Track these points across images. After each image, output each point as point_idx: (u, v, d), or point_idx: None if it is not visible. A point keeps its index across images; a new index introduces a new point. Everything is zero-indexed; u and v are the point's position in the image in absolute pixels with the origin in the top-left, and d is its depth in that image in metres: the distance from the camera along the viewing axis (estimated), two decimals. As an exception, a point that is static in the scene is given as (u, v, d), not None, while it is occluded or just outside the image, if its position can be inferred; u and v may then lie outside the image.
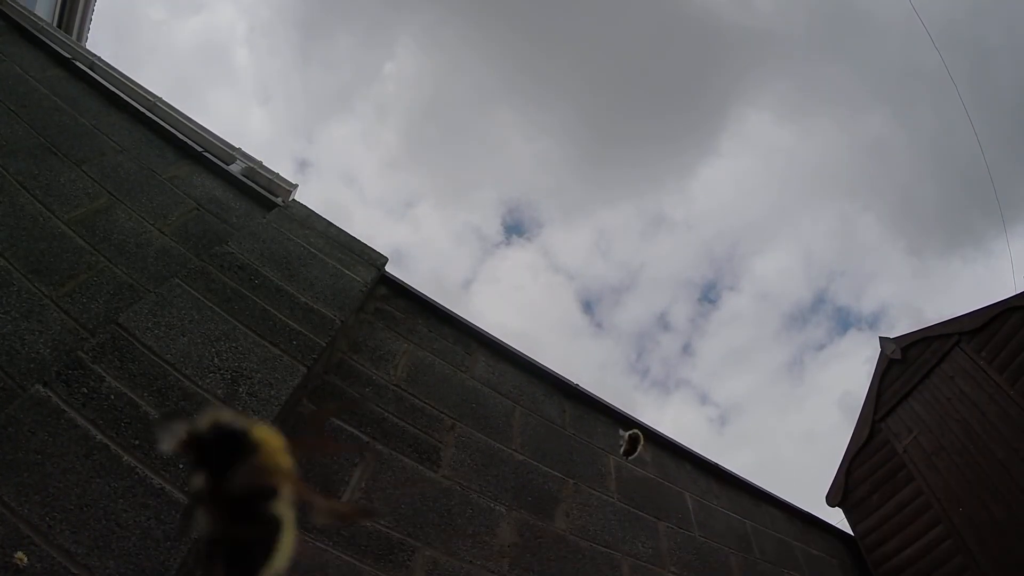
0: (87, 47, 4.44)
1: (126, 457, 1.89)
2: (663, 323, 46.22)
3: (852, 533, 5.64)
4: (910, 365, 5.71)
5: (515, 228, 49.04)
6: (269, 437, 0.68)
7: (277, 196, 3.72)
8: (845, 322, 44.62)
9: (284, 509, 0.66)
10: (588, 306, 47.79)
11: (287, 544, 0.67)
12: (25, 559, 1.53)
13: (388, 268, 3.73)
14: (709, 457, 4.68)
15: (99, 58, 3.88)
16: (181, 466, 1.96)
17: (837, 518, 5.83)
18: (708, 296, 47.33)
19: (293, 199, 3.85)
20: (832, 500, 6.00)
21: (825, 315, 45.26)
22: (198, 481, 0.65)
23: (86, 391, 1.98)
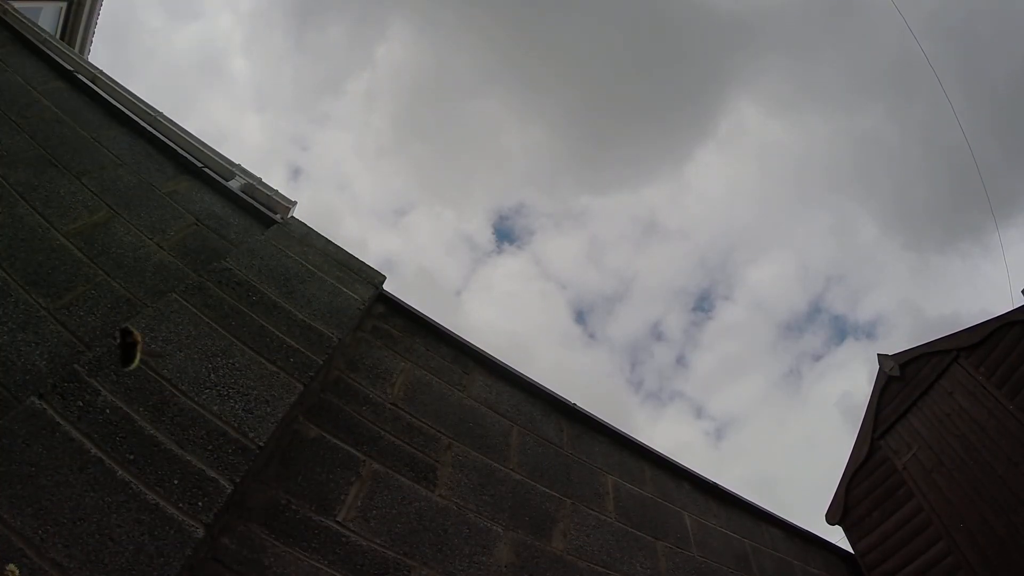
0: (89, 59, 4.48)
1: (120, 472, 1.87)
2: (656, 333, 46.06)
3: (852, 551, 5.60)
4: (909, 382, 5.72)
5: (506, 235, 49.04)
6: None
7: (276, 213, 3.73)
8: (842, 331, 44.52)
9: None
10: (581, 316, 47.64)
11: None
12: (17, 572, 1.50)
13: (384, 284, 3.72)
14: (707, 476, 4.65)
15: (101, 71, 3.91)
16: (176, 482, 1.95)
17: (837, 536, 5.80)
18: (702, 306, 47.30)
19: (292, 216, 3.87)
20: (832, 518, 5.96)
21: (822, 324, 45.20)
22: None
23: (81, 404, 1.96)
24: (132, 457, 1.92)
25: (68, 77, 3.65)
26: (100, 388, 2.04)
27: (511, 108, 45.15)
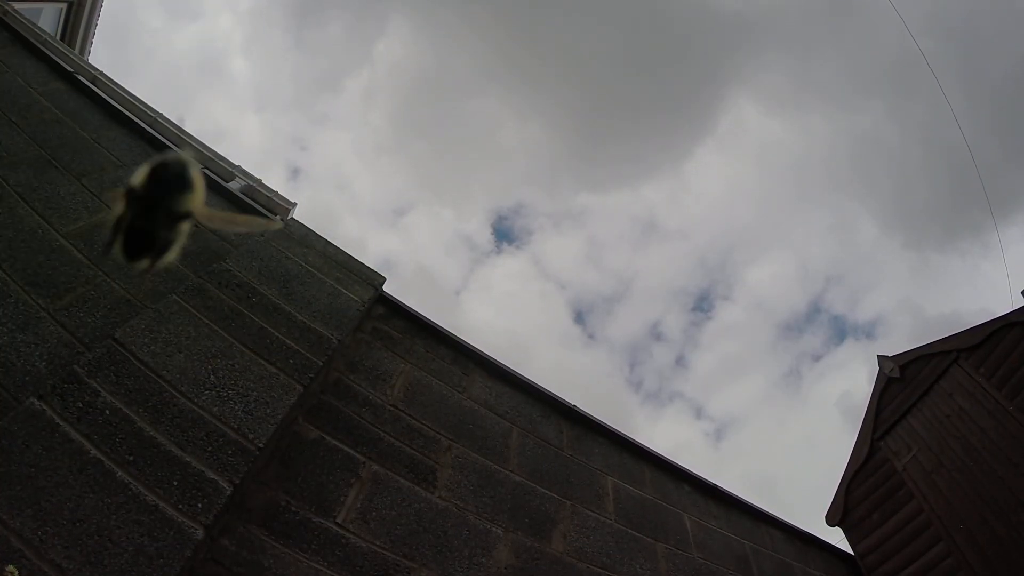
0: (89, 60, 4.49)
1: (120, 473, 1.87)
2: (656, 334, 46.13)
3: (852, 552, 5.59)
4: (909, 383, 5.71)
5: (505, 235, 49.06)
6: (200, 183, 1.14)
7: (276, 214, 3.73)
8: (842, 331, 44.56)
9: (185, 228, 1.16)
10: (580, 316, 47.71)
11: (177, 248, 1.16)
12: (16, 573, 1.50)
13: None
14: (707, 477, 4.65)
15: (101, 72, 3.92)
16: (175, 484, 1.95)
17: (837, 537, 5.79)
18: (701, 306, 47.32)
19: (291, 217, 3.87)
20: (832, 519, 5.95)
21: (821, 324, 45.23)
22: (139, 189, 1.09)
23: (81, 405, 1.96)
24: (132, 458, 1.92)
25: (68, 78, 3.65)
26: (100, 389, 2.04)
27: (510, 106, 45.29)
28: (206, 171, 3.66)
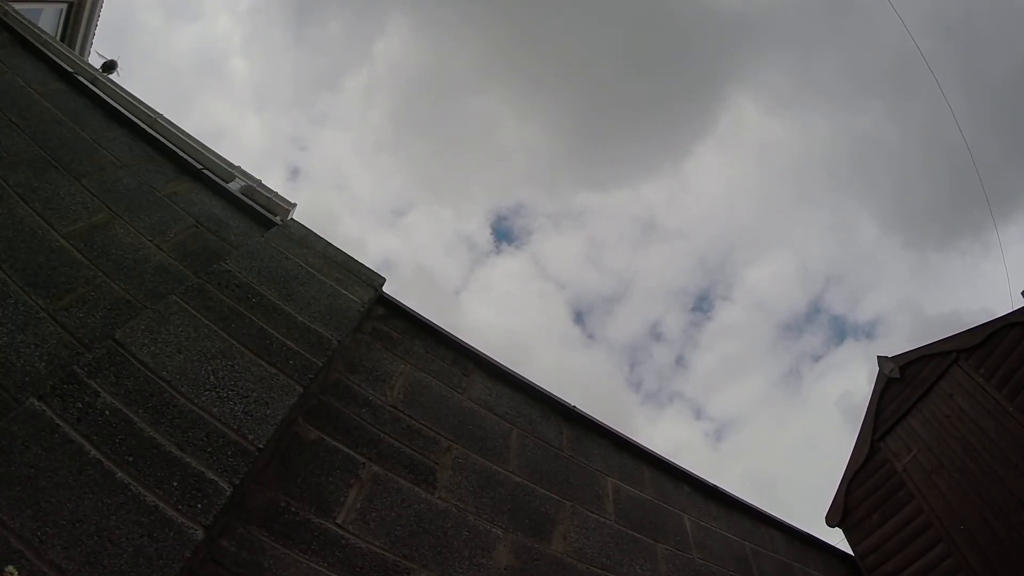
0: (89, 61, 4.49)
1: (119, 474, 1.87)
2: (655, 334, 46.09)
3: (852, 553, 5.59)
4: (909, 383, 5.71)
5: (505, 235, 49.03)
6: None
7: (276, 215, 3.73)
8: (842, 331, 44.56)
9: None
10: (580, 316, 47.68)
11: None
12: (16, 573, 1.50)
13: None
14: (707, 478, 4.65)
15: (101, 72, 3.91)
16: (175, 484, 1.95)
17: (837, 538, 5.79)
18: (701, 306, 47.32)
19: (292, 218, 3.87)
20: (832, 520, 5.94)
21: (821, 324, 45.23)
22: None
23: (81, 406, 1.96)
24: (131, 459, 1.92)
25: (68, 79, 3.65)
26: (99, 390, 2.04)
27: (510, 105, 45.26)
28: (207, 172, 3.67)
